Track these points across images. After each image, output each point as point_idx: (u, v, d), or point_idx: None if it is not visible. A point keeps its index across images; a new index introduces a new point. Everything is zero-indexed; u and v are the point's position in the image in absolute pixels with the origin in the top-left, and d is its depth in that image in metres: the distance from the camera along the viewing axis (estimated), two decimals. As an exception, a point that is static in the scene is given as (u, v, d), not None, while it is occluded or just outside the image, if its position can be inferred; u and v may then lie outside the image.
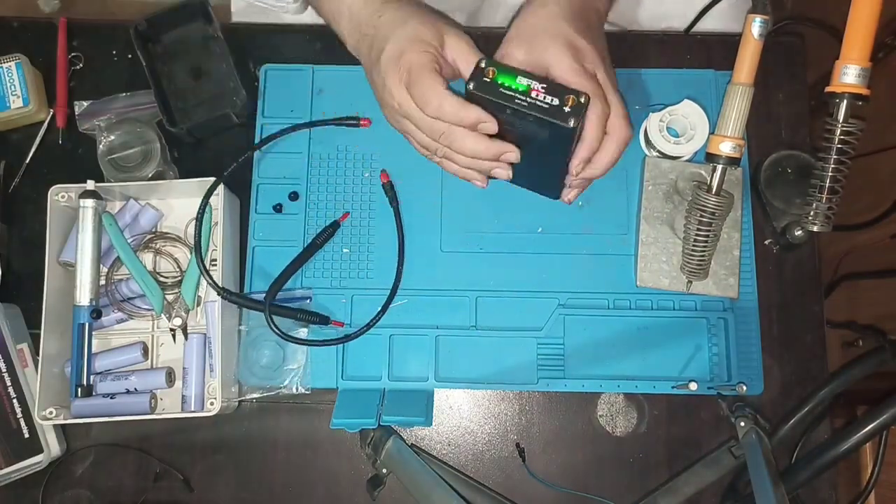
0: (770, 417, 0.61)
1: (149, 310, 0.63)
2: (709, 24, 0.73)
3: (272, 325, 0.58)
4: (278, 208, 0.65)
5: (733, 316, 0.63)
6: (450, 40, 0.54)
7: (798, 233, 0.63)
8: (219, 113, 0.65)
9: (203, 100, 0.67)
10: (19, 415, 0.61)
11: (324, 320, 0.61)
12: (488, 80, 0.50)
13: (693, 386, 0.59)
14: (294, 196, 0.65)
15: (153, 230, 0.65)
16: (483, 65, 0.51)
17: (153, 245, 0.64)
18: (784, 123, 0.69)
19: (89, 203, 0.61)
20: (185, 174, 0.68)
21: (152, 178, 0.65)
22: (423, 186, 0.66)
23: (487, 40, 0.70)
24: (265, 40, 0.69)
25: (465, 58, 0.54)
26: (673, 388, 0.61)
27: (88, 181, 0.61)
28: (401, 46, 0.53)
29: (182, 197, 0.65)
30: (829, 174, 0.56)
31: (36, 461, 0.60)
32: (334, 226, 0.64)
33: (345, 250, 0.65)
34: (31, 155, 0.68)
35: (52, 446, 0.61)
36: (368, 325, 0.61)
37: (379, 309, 0.62)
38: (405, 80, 0.53)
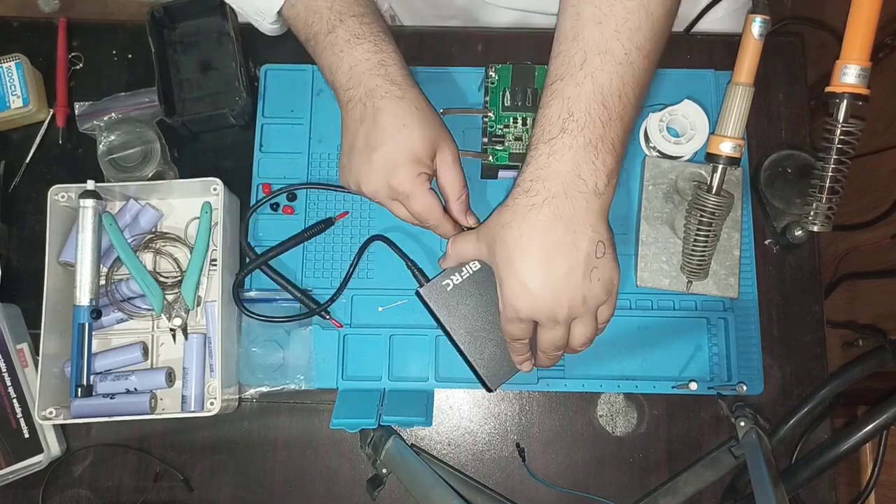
0: (770, 417, 0.61)
1: (149, 310, 0.63)
2: (709, 24, 0.73)
3: (239, 304, 0.61)
4: (275, 207, 0.65)
5: (733, 316, 0.63)
6: (441, 155, 0.56)
7: (798, 233, 0.63)
8: (217, 111, 0.65)
9: (205, 94, 0.68)
10: (19, 415, 0.61)
11: (310, 299, 0.62)
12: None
13: (693, 386, 0.59)
14: (292, 197, 0.65)
15: (153, 230, 0.65)
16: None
17: (153, 245, 0.64)
18: (784, 123, 0.69)
19: (89, 203, 0.61)
20: (185, 174, 0.68)
21: (152, 178, 0.65)
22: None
23: (487, 40, 0.71)
24: (265, 40, 0.69)
25: (447, 172, 0.56)
26: (673, 388, 0.61)
27: (88, 181, 0.61)
28: (396, 159, 0.53)
29: (182, 197, 0.65)
30: (829, 174, 0.56)
31: (36, 461, 0.60)
32: (327, 222, 0.64)
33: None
34: (31, 155, 0.68)
35: (52, 446, 0.61)
36: (341, 288, 0.62)
37: (344, 278, 0.63)
38: (400, 198, 0.55)
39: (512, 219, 0.49)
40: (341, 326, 0.62)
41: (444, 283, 0.56)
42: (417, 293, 0.57)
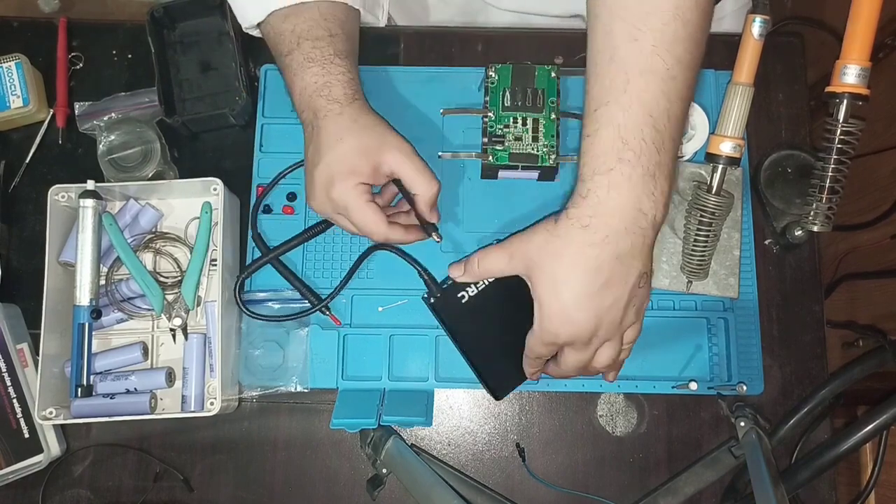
0: (770, 417, 0.61)
1: (149, 310, 0.63)
2: (709, 24, 0.73)
3: (239, 302, 0.61)
4: (267, 209, 0.65)
5: (733, 316, 0.63)
6: (391, 158, 0.55)
7: (798, 233, 0.63)
8: (217, 111, 0.65)
9: (205, 94, 0.68)
10: (19, 415, 0.61)
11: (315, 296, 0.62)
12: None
13: (693, 386, 0.59)
14: (292, 196, 0.65)
15: (153, 230, 0.65)
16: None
17: (153, 245, 0.64)
18: (784, 123, 0.69)
19: (89, 203, 0.61)
20: (185, 174, 0.68)
21: (152, 178, 0.65)
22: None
23: (487, 40, 0.71)
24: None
25: (404, 173, 0.56)
26: (673, 388, 0.61)
27: (88, 181, 0.61)
28: (331, 172, 0.54)
29: (182, 197, 0.65)
30: (829, 174, 0.56)
31: (36, 461, 0.60)
32: (326, 223, 0.64)
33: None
34: (31, 155, 0.68)
35: (52, 446, 0.61)
36: (341, 285, 0.63)
37: (344, 278, 0.64)
38: (341, 210, 0.55)
39: (564, 251, 0.48)
40: (339, 323, 0.62)
41: (458, 295, 0.56)
42: (430, 304, 0.57)
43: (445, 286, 0.57)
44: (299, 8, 0.57)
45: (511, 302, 0.53)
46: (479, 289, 0.56)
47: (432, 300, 0.57)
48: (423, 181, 0.56)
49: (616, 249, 0.47)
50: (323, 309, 0.62)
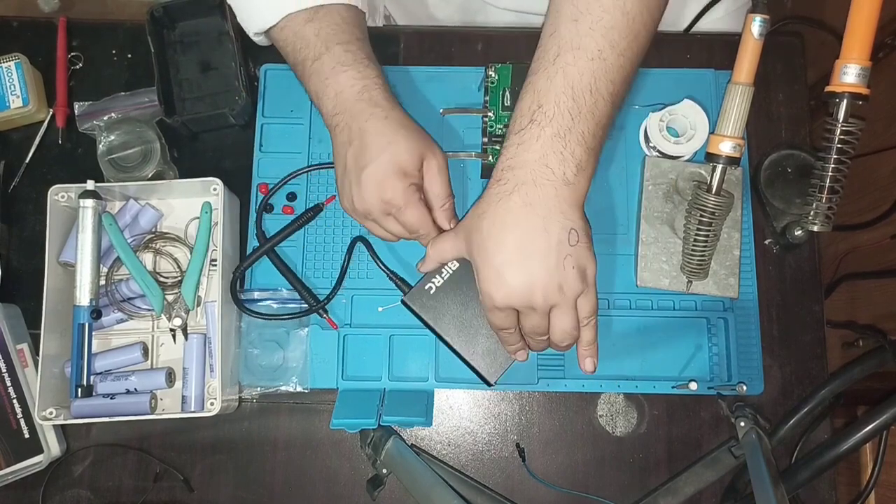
0: (770, 417, 0.61)
1: (149, 310, 0.63)
2: (709, 24, 0.73)
3: (236, 299, 0.61)
4: (268, 209, 0.65)
5: (733, 316, 0.63)
6: (427, 165, 0.57)
7: (798, 233, 0.63)
8: (217, 111, 0.65)
9: (205, 94, 0.68)
10: (19, 415, 0.61)
11: (314, 299, 0.62)
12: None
13: (693, 386, 0.59)
14: (292, 197, 0.65)
15: (153, 230, 0.65)
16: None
17: (153, 245, 0.64)
18: (784, 123, 0.69)
19: (89, 203, 0.61)
20: (185, 174, 0.68)
21: (152, 178, 0.65)
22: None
23: (487, 40, 0.71)
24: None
25: (433, 180, 0.57)
26: (673, 388, 0.61)
27: (88, 181, 0.61)
28: (385, 174, 0.55)
29: (182, 197, 0.65)
30: (829, 174, 0.56)
31: (36, 461, 0.60)
32: (316, 209, 0.64)
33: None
34: (30, 155, 0.68)
35: (52, 446, 0.61)
36: (336, 286, 0.63)
37: (338, 278, 0.64)
38: (393, 210, 0.56)
39: (486, 209, 0.50)
40: (336, 327, 0.62)
41: (426, 287, 0.57)
42: (403, 302, 0.57)
43: (416, 283, 0.57)
44: (319, 12, 0.58)
45: (476, 286, 0.54)
46: (445, 278, 0.56)
47: (403, 298, 0.57)
48: (444, 194, 0.58)
49: (526, 199, 0.49)
50: (320, 311, 0.62)
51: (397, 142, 0.55)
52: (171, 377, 0.62)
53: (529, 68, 0.52)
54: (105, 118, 0.66)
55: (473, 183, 0.66)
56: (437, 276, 0.57)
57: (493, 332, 0.56)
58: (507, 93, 0.64)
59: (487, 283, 0.50)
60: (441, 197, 0.58)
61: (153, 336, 0.64)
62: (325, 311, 0.62)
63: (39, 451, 0.60)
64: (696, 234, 0.59)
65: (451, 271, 0.57)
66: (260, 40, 0.64)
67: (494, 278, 0.49)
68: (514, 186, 0.49)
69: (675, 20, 0.74)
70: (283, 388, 0.61)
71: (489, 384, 0.58)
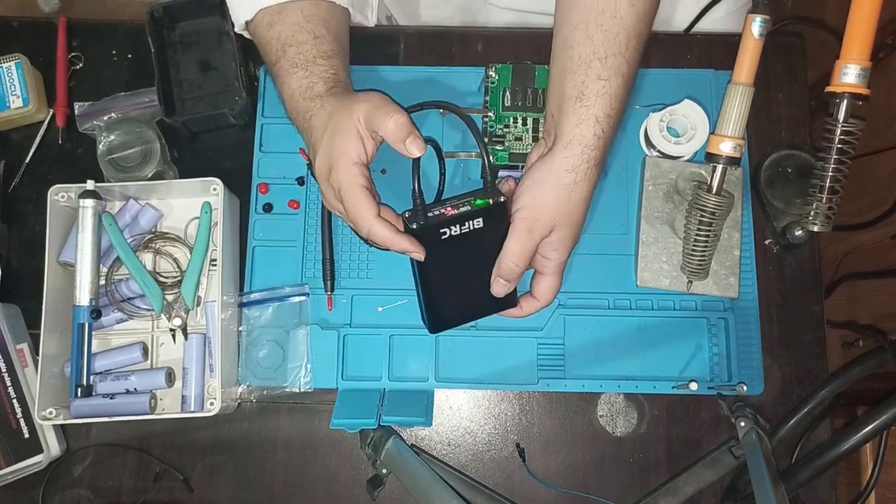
0: (770, 417, 0.61)
1: (149, 310, 0.63)
2: (709, 24, 0.73)
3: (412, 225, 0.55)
4: (268, 208, 0.65)
5: (733, 316, 0.63)
6: (359, 116, 0.53)
7: (798, 233, 0.63)
8: (217, 111, 0.65)
9: (205, 94, 0.68)
10: (19, 415, 0.61)
11: None
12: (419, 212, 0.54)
13: (693, 386, 0.59)
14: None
15: (153, 230, 0.65)
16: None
17: (153, 245, 0.64)
18: (784, 123, 0.69)
19: (89, 203, 0.61)
20: (184, 174, 0.68)
21: (152, 178, 0.65)
22: (423, 187, 0.65)
23: (487, 40, 0.71)
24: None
25: (382, 124, 0.52)
26: (673, 388, 0.61)
27: (88, 181, 0.61)
28: (329, 161, 0.54)
29: (182, 197, 0.65)
30: (829, 174, 0.56)
31: (36, 461, 0.60)
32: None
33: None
34: (31, 155, 0.68)
35: (52, 446, 0.61)
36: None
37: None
38: (338, 197, 0.54)
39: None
40: (331, 309, 0.63)
41: (441, 230, 0.54)
42: (410, 230, 0.53)
43: (431, 215, 0.54)
44: (284, 10, 0.57)
45: (484, 251, 0.55)
46: (463, 231, 0.54)
47: (414, 226, 0.53)
48: (382, 116, 0.52)
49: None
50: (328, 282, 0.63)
51: (328, 127, 0.53)
52: (170, 377, 0.62)
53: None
54: (105, 118, 0.66)
55: (473, 183, 0.66)
56: (457, 226, 0.54)
57: (466, 296, 0.58)
58: (507, 93, 0.64)
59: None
60: (379, 122, 0.52)
61: (153, 336, 0.64)
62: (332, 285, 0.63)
63: (39, 450, 0.60)
64: (697, 235, 0.59)
65: (472, 227, 0.54)
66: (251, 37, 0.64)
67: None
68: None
69: (676, 20, 0.74)
70: (284, 389, 0.61)
71: (431, 332, 0.60)
